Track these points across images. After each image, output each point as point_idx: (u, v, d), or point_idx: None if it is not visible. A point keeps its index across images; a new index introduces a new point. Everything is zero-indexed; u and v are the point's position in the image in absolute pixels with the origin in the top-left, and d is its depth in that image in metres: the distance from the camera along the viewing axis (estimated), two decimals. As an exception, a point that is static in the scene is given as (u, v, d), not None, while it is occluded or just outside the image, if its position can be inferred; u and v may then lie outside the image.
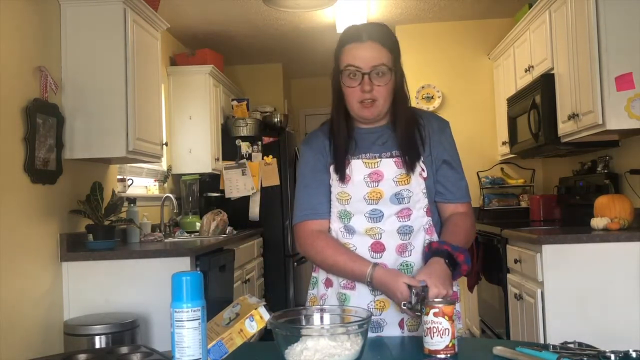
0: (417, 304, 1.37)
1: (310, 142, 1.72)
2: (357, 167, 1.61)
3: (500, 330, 3.75)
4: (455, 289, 1.65)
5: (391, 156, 1.61)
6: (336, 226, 1.66)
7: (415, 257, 1.60)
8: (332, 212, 1.67)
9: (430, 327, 1.29)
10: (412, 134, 1.63)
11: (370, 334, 1.58)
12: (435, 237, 1.64)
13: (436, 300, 1.35)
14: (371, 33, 1.56)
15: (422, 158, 1.62)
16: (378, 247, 1.60)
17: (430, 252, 1.54)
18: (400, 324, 1.59)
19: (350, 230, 1.64)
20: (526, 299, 3.14)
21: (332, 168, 1.65)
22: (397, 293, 1.44)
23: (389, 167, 1.60)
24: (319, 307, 1.40)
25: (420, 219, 1.62)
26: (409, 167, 1.59)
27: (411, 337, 1.57)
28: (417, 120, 1.66)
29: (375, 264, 1.54)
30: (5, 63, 2.69)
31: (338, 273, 1.62)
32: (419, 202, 1.62)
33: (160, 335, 2.98)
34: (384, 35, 1.57)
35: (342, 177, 1.62)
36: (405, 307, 1.42)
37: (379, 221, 1.61)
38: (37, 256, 2.90)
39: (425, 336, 1.30)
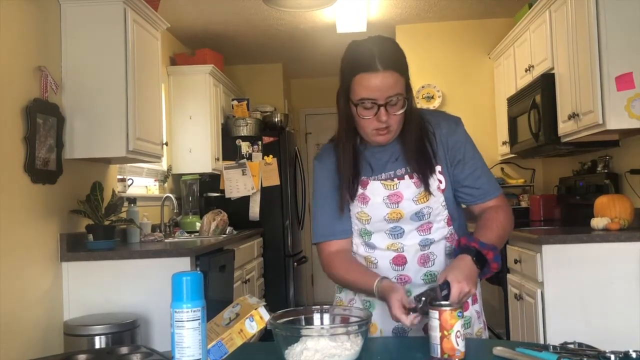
0: (425, 306, 1.33)
1: (323, 160, 1.67)
2: (376, 189, 1.58)
3: (500, 330, 3.75)
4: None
5: (406, 172, 1.57)
6: (358, 241, 1.66)
7: (438, 266, 1.59)
8: (352, 229, 1.66)
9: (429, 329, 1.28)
10: (423, 148, 1.57)
11: (396, 340, 1.57)
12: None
13: (443, 303, 1.29)
14: (386, 60, 1.44)
15: (438, 169, 1.58)
16: (400, 261, 1.60)
17: (458, 248, 1.50)
18: (425, 329, 1.57)
19: (371, 246, 1.63)
20: (526, 299, 3.14)
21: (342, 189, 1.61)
22: (392, 309, 1.40)
23: (408, 188, 1.56)
24: (318, 307, 1.39)
25: (441, 230, 1.61)
26: (426, 185, 1.55)
27: (411, 337, 1.57)
28: (427, 129, 1.59)
29: (383, 278, 1.48)
30: (5, 63, 2.69)
31: (353, 289, 1.61)
32: (439, 215, 1.59)
33: (160, 335, 2.98)
34: (397, 59, 1.48)
35: (353, 197, 1.59)
36: (411, 311, 1.37)
37: (400, 237, 1.60)
38: (37, 256, 2.90)
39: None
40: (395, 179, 1.58)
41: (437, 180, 1.57)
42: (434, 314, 1.25)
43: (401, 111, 1.49)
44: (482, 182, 1.62)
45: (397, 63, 1.47)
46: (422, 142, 1.57)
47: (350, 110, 1.52)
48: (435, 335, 1.24)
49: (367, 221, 1.61)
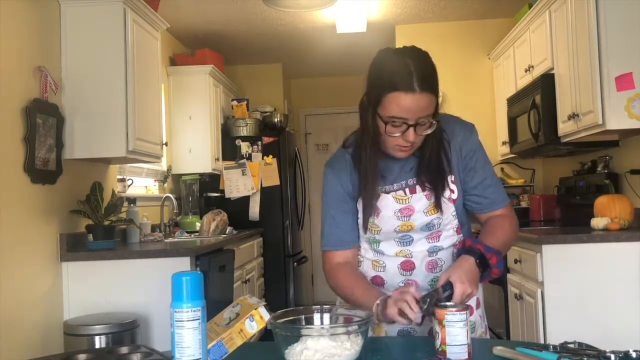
0: (431, 307, 1.31)
1: (335, 168, 1.63)
2: (388, 202, 1.57)
3: (500, 330, 3.75)
4: (477, 295, 1.62)
5: (417, 182, 1.56)
6: (366, 246, 1.66)
7: None
8: (360, 235, 1.65)
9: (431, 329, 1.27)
10: (439, 163, 1.55)
11: (396, 339, 1.57)
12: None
13: (447, 304, 1.28)
14: (424, 81, 1.39)
15: (451, 178, 1.57)
16: (408, 266, 1.60)
17: (462, 249, 1.49)
18: (430, 332, 1.55)
19: (379, 252, 1.64)
20: (526, 299, 3.14)
21: (360, 204, 1.59)
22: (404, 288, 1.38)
23: (420, 200, 1.56)
24: (318, 307, 1.39)
25: (450, 238, 1.61)
26: (438, 198, 1.54)
27: (411, 337, 1.57)
28: (442, 137, 1.56)
29: (382, 300, 1.43)
30: (5, 63, 2.69)
31: (353, 305, 1.56)
32: (449, 224, 1.60)
33: (160, 335, 2.98)
34: (434, 80, 1.44)
35: (370, 214, 1.57)
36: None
37: (409, 245, 1.60)
38: (37, 256, 2.90)
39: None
40: (407, 189, 1.57)
41: (449, 191, 1.56)
42: (464, 314, 1.22)
43: (429, 131, 1.46)
44: (490, 191, 1.61)
45: (434, 84, 1.43)
46: (438, 157, 1.55)
47: (376, 123, 1.48)
48: (435, 331, 1.23)
49: (377, 232, 1.61)
